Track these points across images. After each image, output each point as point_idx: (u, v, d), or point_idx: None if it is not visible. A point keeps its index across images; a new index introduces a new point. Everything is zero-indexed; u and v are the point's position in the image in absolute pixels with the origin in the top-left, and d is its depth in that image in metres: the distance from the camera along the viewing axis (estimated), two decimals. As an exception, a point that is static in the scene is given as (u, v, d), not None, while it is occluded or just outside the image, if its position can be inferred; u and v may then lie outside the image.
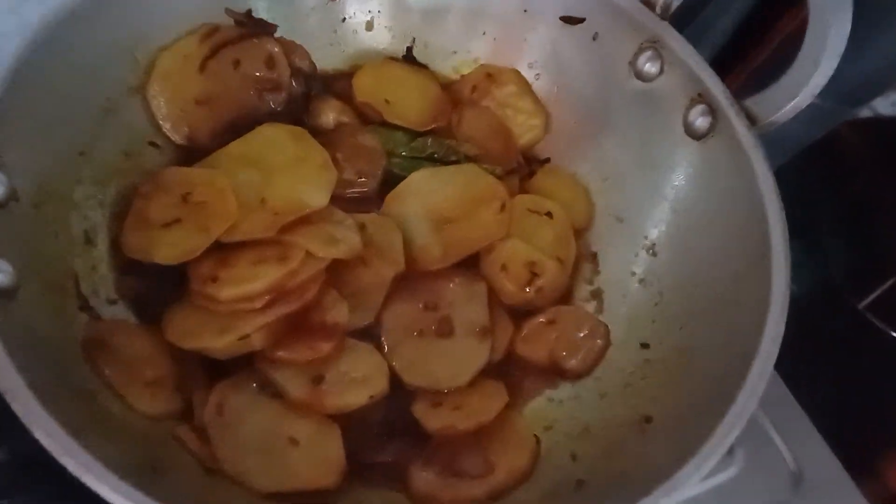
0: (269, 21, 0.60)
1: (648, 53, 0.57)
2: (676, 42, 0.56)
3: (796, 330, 0.56)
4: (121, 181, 0.53)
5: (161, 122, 0.56)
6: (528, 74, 0.64)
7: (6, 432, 0.49)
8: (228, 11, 0.58)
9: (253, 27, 0.59)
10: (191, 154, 0.57)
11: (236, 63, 0.58)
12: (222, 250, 0.50)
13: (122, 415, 0.44)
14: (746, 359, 0.44)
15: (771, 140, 0.53)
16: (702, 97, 0.55)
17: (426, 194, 0.58)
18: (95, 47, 0.51)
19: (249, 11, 0.59)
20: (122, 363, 0.46)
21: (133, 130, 0.55)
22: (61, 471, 0.39)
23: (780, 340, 0.44)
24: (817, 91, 0.50)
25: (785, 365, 0.61)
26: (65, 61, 0.49)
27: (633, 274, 0.58)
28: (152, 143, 0.56)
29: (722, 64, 0.57)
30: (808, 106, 0.52)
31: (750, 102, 0.53)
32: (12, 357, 0.36)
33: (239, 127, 0.58)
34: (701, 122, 0.55)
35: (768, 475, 0.58)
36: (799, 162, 0.83)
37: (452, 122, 0.63)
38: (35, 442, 0.36)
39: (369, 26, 0.64)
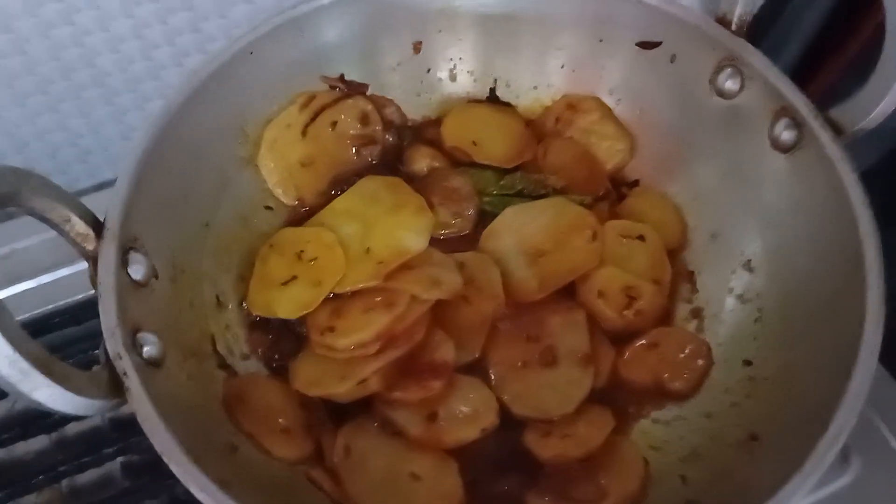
0: (360, 81, 0.65)
1: (728, 71, 0.58)
2: (755, 57, 0.56)
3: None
4: (242, 246, 0.59)
5: (272, 187, 0.61)
6: (610, 100, 0.66)
7: (166, 482, 0.55)
8: (323, 78, 0.63)
9: (346, 89, 0.64)
10: (302, 212, 0.62)
11: (333, 124, 0.63)
12: (336, 301, 0.55)
13: (262, 463, 0.48)
14: (845, 375, 0.44)
15: (874, 130, 0.52)
16: (785, 110, 0.55)
17: (519, 229, 0.60)
18: (209, 128, 0.57)
19: (342, 75, 0.64)
20: (258, 414, 0.51)
21: (248, 198, 0.60)
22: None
23: (877, 352, 0.44)
24: (903, 95, 0.49)
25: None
26: (183, 145, 0.54)
27: (732, 291, 0.58)
28: (267, 207, 0.61)
29: (803, 73, 0.57)
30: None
31: (834, 112, 0.52)
32: (165, 422, 0.41)
33: (341, 182, 0.63)
34: (786, 135, 0.55)
35: (887, 481, 0.57)
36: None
37: (538, 155, 0.65)
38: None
39: (452, 73, 0.67)
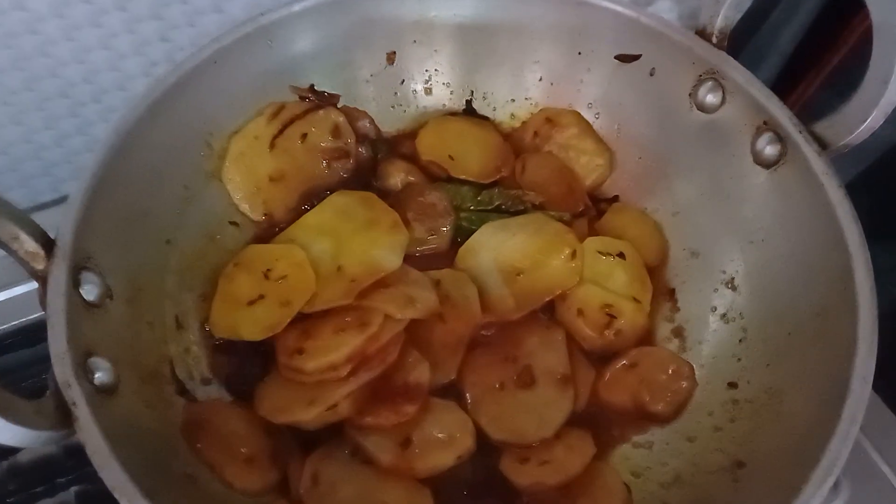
0: (332, 92, 0.63)
1: (708, 84, 0.57)
2: (736, 70, 0.55)
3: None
4: (206, 263, 0.56)
5: (238, 202, 0.59)
6: (588, 114, 0.65)
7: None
8: (292, 88, 0.61)
9: (317, 100, 0.62)
10: (269, 228, 0.60)
11: (303, 136, 0.61)
12: (305, 321, 0.53)
13: (223, 495, 0.46)
14: (838, 400, 0.42)
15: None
16: (768, 125, 0.53)
17: (496, 246, 0.58)
18: (171, 140, 0.54)
19: (312, 86, 0.62)
20: (220, 442, 0.48)
21: (213, 214, 0.58)
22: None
23: (871, 379, 0.42)
24: (889, 110, 0.48)
25: (888, 386, 0.59)
26: (144, 158, 0.52)
27: (714, 310, 0.57)
28: (232, 223, 0.59)
29: (781, 87, 0.56)
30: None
31: (819, 127, 0.51)
32: (116, 454, 0.39)
33: (312, 197, 0.61)
34: (769, 150, 0.53)
35: (878, 505, 0.56)
36: (891, 159, 0.80)
37: (516, 170, 0.63)
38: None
39: (428, 85, 0.66)
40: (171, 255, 0.54)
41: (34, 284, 0.45)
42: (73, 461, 0.56)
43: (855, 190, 0.54)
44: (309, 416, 0.49)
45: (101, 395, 0.42)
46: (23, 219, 0.44)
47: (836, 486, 0.56)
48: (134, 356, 0.47)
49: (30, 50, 0.72)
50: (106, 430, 0.40)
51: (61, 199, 0.80)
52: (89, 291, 0.45)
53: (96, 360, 0.43)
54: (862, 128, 0.49)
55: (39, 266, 0.44)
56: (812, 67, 0.77)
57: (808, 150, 0.51)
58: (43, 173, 0.85)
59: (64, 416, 0.40)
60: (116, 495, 0.38)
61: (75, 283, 0.44)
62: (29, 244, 0.44)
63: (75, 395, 0.40)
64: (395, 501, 0.48)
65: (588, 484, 0.50)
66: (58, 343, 0.41)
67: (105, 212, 0.48)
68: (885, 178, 0.81)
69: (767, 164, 0.54)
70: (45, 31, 0.71)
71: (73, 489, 0.55)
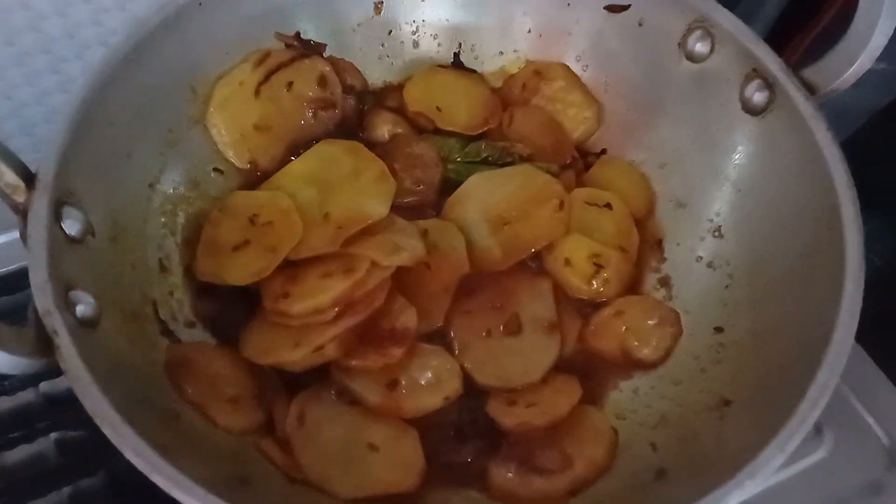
0: (318, 41, 0.62)
1: (697, 33, 0.57)
2: (725, 18, 0.55)
3: (882, 304, 0.54)
4: (189, 208, 0.56)
5: (223, 149, 0.58)
6: (576, 67, 0.64)
7: (103, 458, 0.52)
8: (278, 35, 0.60)
9: (303, 48, 0.61)
10: (254, 177, 0.59)
11: (289, 85, 0.60)
12: (291, 267, 0.52)
13: (207, 432, 0.45)
14: (825, 335, 0.42)
15: (840, 108, 0.51)
16: (757, 72, 0.53)
17: (484, 197, 0.58)
18: (155, 82, 0.53)
19: (298, 33, 0.61)
20: (204, 382, 0.48)
21: (197, 159, 0.57)
22: (154, 491, 0.42)
23: (858, 313, 0.43)
24: (877, 54, 0.48)
25: (872, 341, 0.59)
26: (127, 98, 0.51)
27: (700, 258, 0.57)
28: (217, 170, 0.58)
29: (780, 37, 0.56)
30: (874, 71, 0.50)
31: (808, 72, 0.51)
32: (99, 383, 0.38)
33: (298, 147, 0.60)
34: (758, 97, 0.53)
35: (861, 454, 0.56)
36: (875, 129, 0.80)
37: (503, 123, 0.63)
38: (129, 466, 0.38)
39: (415, 37, 0.65)
40: (155, 199, 0.54)
41: (10, 235, 0.44)
42: (51, 408, 0.55)
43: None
44: (294, 356, 0.49)
45: (82, 328, 0.42)
46: (3, 151, 0.43)
47: (820, 435, 0.57)
48: (117, 294, 0.47)
49: (9, 2, 0.70)
50: (87, 361, 0.39)
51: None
52: (71, 226, 0.44)
53: (78, 293, 0.43)
54: (849, 72, 0.49)
55: (20, 199, 0.43)
56: (797, 34, 0.77)
57: (797, 95, 0.51)
58: (23, 132, 0.83)
59: (45, 346, 0.39)
60: (98, 422, 0.37)
61: (57, 217, 0.44)
62: (9, 176, 0.43)
63: (56, 323, 0.39)
64: (382, 440, 0.48)
65: (575, 425, 0.50)
66: (38, 273, 0.41)
67: (87, 149, 0.47)
68: (866, 148, 0.81)
69: (756, 112, 0.54)
70: (25, -17, 0.70)
71: (53, 436, 0.54)
